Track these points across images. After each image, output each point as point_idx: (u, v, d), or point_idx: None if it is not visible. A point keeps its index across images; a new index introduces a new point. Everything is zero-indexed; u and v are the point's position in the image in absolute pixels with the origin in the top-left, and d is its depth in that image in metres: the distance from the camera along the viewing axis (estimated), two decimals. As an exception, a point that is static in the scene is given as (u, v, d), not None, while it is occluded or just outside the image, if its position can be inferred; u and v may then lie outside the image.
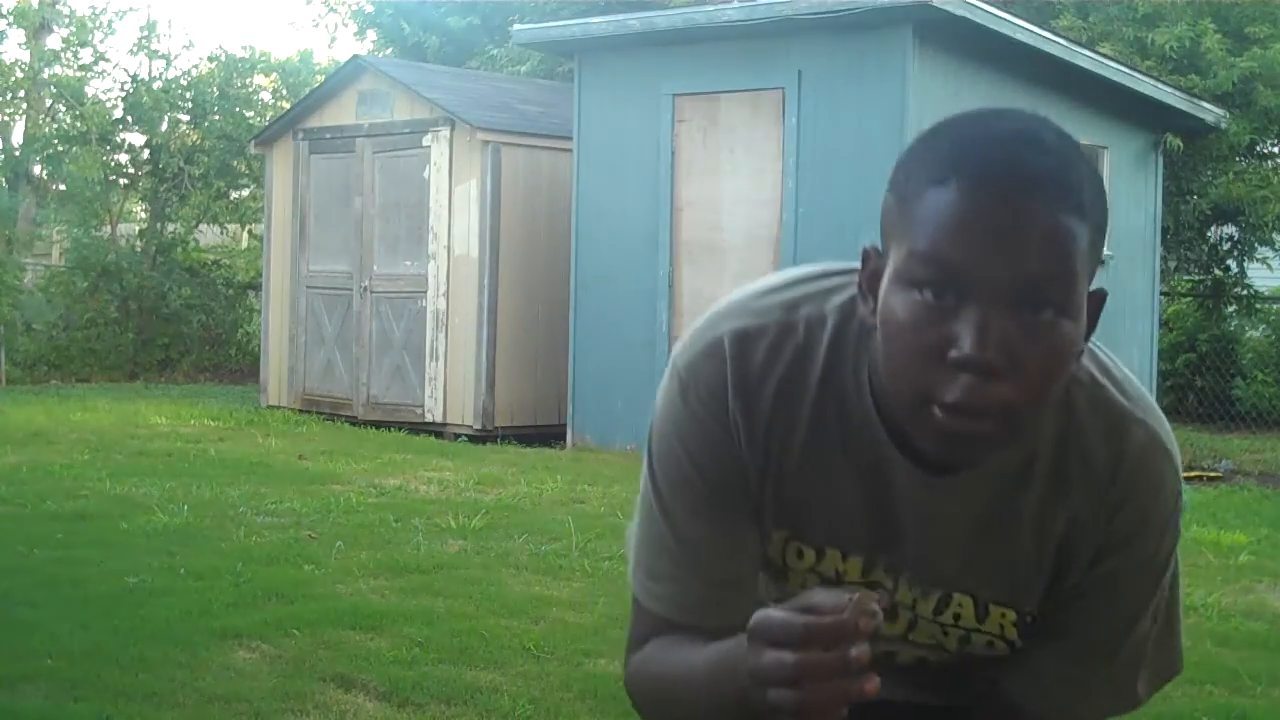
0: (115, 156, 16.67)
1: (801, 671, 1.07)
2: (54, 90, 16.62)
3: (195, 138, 16.40)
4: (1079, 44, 10.08)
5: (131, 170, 16.76)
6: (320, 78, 15.71)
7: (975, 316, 1.18)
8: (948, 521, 1.38)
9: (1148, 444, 1.38)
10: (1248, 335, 13.14)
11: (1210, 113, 10.84)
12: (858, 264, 1.35)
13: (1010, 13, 9.14)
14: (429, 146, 10.79)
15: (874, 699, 1.60)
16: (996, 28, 8.81)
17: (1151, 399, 1.42)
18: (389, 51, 17.39)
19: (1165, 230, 11.50)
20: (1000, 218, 1.18)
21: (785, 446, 1.38)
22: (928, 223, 1.21)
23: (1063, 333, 1.21)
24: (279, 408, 11.81)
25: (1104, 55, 10.16)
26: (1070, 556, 1.39)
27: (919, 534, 1.39)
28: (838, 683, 1.07)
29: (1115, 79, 9.86)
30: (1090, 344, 1.38)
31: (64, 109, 16.69)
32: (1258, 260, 12.63)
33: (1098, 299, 1.28)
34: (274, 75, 17.93)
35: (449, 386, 10.73)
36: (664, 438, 1.41)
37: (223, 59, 16.98)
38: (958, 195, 1.20)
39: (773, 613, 1.11)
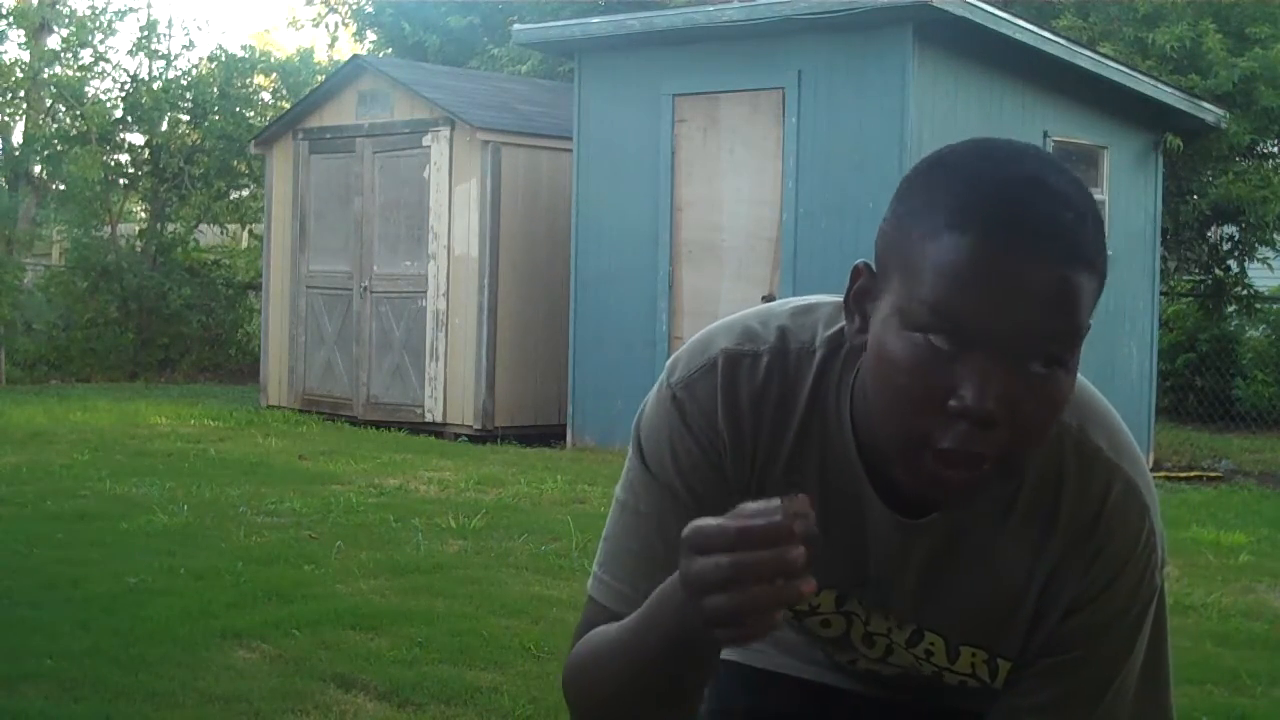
0: (115, 156, 16.66)
1: (737, 571, 1.05)
2: (54, 90, 16.60)
3: (195, 138, 16.39)
4: (1079, 44, 10.07)
5: (131, 170, 16.76)
6: (320, 78, 15.70)
7: (978, 366, 1.17)
8: (917, 562, 1.38)
9: (1126, 494, 1.36)
10: (1248, 335, 13.15)
11: (1210, 113, 10.83)
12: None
13: (1010, 13, 9.14)
14: (429, 146, 10.79)
15: (859, 696, 1.61)
16: (996, 28, 8.81)
17: (1137, 450, 1.41)
18: (389, 51, 17.38)
19: (1165, 230, 11.49)
20: (1011, 273, 1.17)
21: (766, 474, 1.38)
22: (935, 269, 1.19)
23: (1060, 384, 1.21)
24: (279, 408, 11.80)
25: (1104, 55, 10.15)
26: (1048, 605, 1.38)
27: (888, 572, 1.39)
28: (775, 583, 1.05)
29: (1115, 79, 9.86)
30: (1082, 383, 1.37)
31: (64, 109, 16.67)
32: (1258, 260, 12.63)
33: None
34: (274, 75, 17.92)
35: (449, 386, 10.73)
36: (654, 448, 1.40)
37: (223, 59, 16.97)
38: (969, 246, 1.18)
39: (704, 521, 1.09)
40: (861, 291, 1.29)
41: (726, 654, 1.58)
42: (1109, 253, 1.28)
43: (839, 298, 1.41)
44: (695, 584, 1.09)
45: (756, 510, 1.07)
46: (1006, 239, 1.17)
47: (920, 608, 1.41)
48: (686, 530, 1.11)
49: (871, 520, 1.37)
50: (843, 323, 1.36)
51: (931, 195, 1.22)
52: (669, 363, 1.43)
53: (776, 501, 1.07)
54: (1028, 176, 1.21)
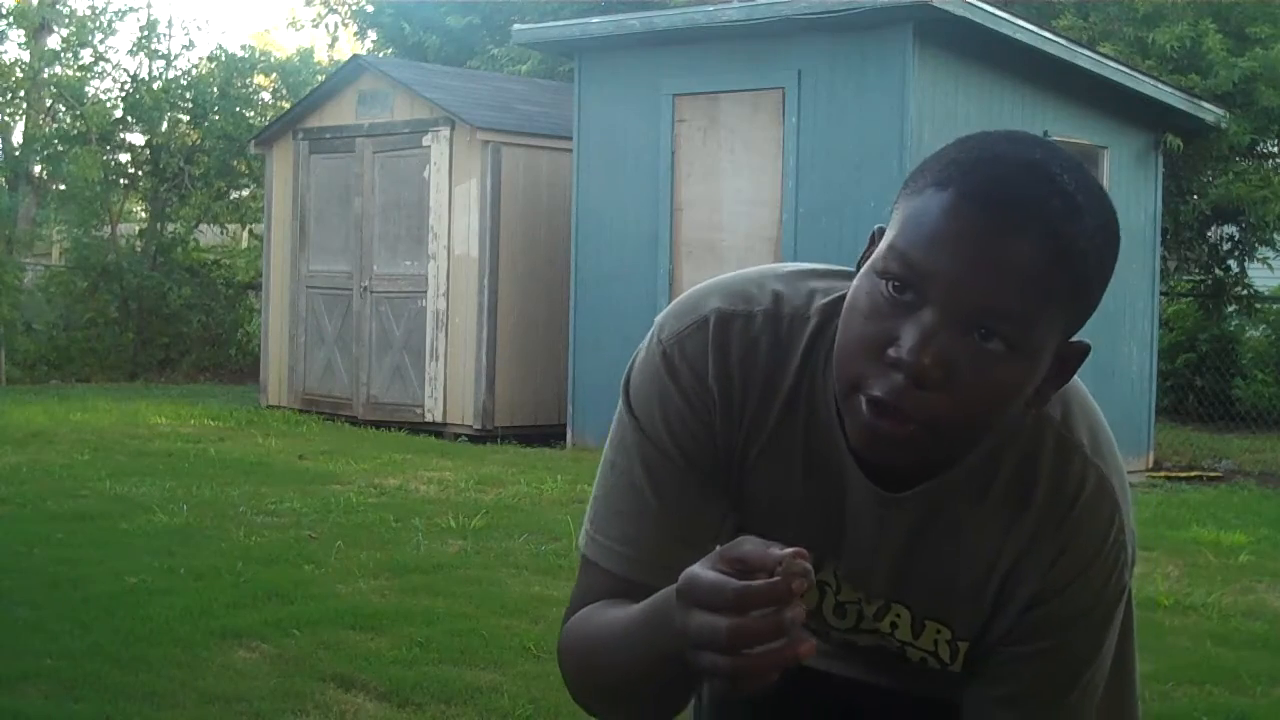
0: (115, 156, 16.66)
1: (735, 637, 1.04)
2: (54, 90, 16.60)
3: (195, 138, 16.39)
4: (1079, 44, 10.07)
5: (131, 170, 16.76)
6: (320, 78, 15.69)
7: (924, 323, 1.18)
8: (893, 535, 1.38)
9: (1099, 491, 1.36)
10: (1248, 335, 13.15)
11: (1210, 113, 10.83)
12: (852, 269, 1.34)
13: (1010, 13, 9.14)
14: (429, 146, 10.79)
15: (834, 675, 1.62)
16: (996, 28, 8.81)
17: (1117, 450, 1.41)
18: (389, 51, 17.38)
19: (1165, 230, 11.49)
20: (980, 242, 1.18)
21: (752, 437, 1.38)
22: (913, 220, 1.21)
23: (1006, 368, 1.20)
24: (279, 408, 11.80)
25: (1104, 55, 10.15)
26: (1010, 592, 1.38)
27: (865, 544, 1.40)
28: (772, 647, 1.03)
29: (1115, 79, 9.86)
30: (1077, 386, 1.38)
31: (64, 109, 16.68)
32: (1258, 260, 12.63)
33: (1077, 351, 1.27)
34: (274, 75, 17.92)
35: (449, 386, 10.73)
36: (643, 407, 1.41)
37: (223, 59, 16.98)
38: (949, 204, 1.19)
39: (702, 573, 1.07)
40: (867, 256, 1.29)
41: None
42: (1109, 265, 1.28)
43: (840, 266, 1.42)
44: (692, 640, 1.07)
45: (754, 561, 1.05)
46: (984, 207, 1.19)
47: (892, 580, 1.42)
48: (682, 581, 1.09)
49: (852, 492, 1.37)
50: (840, 292, 1.36)
51: (940, 158, 1.25)
52: (659, 319, 1.42)
53: (776, 551, 1.05)
54: (1033, 162, 1.22)
